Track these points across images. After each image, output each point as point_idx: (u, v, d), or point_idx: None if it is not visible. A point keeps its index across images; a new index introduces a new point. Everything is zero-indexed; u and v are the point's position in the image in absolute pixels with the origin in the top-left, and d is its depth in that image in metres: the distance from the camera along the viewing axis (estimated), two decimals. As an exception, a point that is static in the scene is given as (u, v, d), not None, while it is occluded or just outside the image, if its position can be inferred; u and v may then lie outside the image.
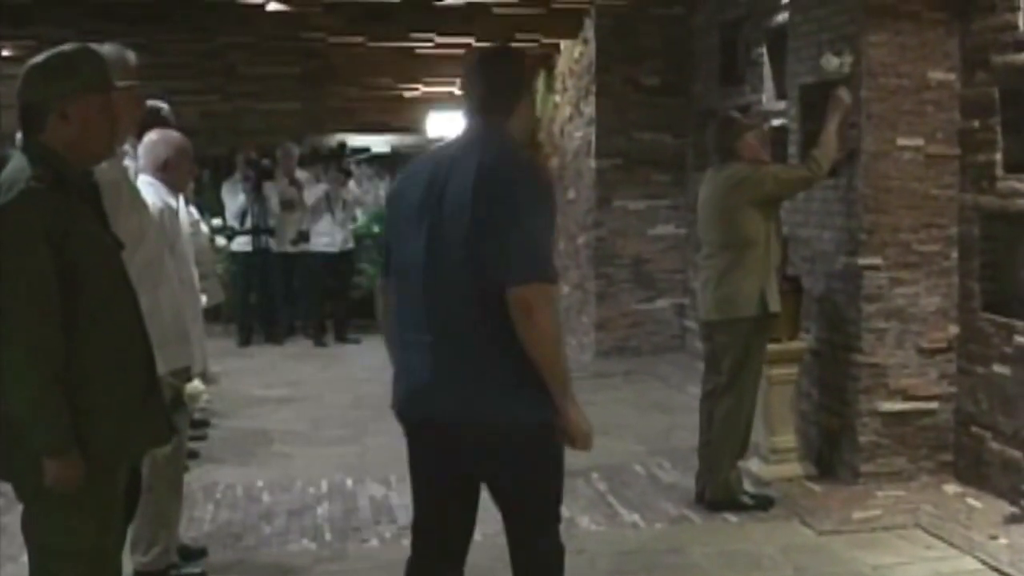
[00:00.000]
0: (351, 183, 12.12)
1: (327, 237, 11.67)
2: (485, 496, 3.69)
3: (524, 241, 3.26)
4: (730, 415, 5.89)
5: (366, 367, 10.50)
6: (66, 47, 3.22)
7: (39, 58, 3.18)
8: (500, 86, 3.61)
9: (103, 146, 3.30)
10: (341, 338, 11.90)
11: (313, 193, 11.59)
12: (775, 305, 5.85)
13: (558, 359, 3.31)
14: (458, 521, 3.71)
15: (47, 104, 3.12)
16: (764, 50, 8.31)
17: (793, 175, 6.06)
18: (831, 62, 6.19)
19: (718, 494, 5.91)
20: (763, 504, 5.91)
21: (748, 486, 6.04)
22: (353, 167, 12.79)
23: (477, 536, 5.62)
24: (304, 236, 11.66)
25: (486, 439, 3.41)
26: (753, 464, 6.41)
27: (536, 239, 3.30)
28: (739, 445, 5.96)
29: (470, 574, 3.85)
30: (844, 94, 6.05)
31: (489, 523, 5.85)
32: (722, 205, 5.88)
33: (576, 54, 10.98)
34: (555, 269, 3.39)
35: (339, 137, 13.47)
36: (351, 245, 12.11)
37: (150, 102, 5.77)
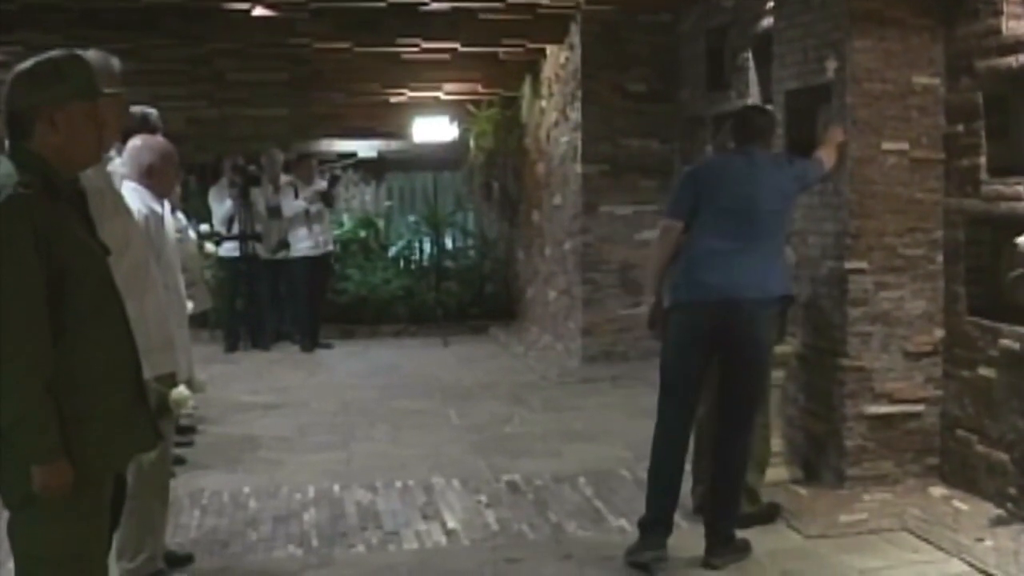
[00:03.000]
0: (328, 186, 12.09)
1: (308, 241, 11.66)
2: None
3: None
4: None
5: (352, 373, 10.50)
6: (54, 53, 3.21)
7: (26, 64, 3.17)
8: None
9: (90, 153, 3.30)
10: (315, 342, 11.87)
11: (292, 207, 11.58)
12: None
13: None
14: None
15: (34, 111, 3.11)
16: (750, 56, 8.33)
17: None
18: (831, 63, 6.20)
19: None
20: (771, 513, 5.81)
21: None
22: (339, 172, 12.77)
23: (465, 542, 5.66)
24: (284, 244, 11.65)
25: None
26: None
27: None
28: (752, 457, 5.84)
29: None
30: (838, 132, 6.09)
31: (477, 529, 5.88)
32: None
33: (562, 60, 10.99)
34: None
35: (316, 144, 13.47)
36: (330, 248, 12.11)
37: (139, 108, 5.77)
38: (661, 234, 5.52)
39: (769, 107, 6.45)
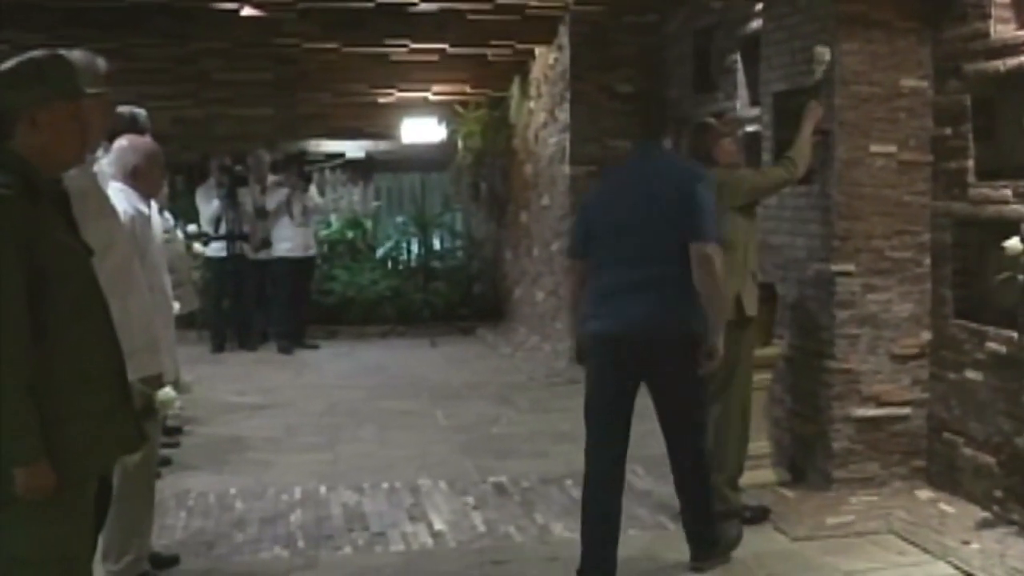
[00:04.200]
0: (312, 189, 12.08)
1: (289, 242, 11.64)
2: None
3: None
4: (722, 424, 5.78)
5: (339, 374, 10.48)
6: (36, 53, 3.20)
7: (9, 64, 3.15)
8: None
9: (73, 153, 3.28)
10: (299, 344, 11.85)
11: (275, 199, 11.57)
12: (751, 308, 5.82)
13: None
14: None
15: (16, 111, 3.10)
16: (737, 57, 8.33)
17: (769, 176, 6.07)
18: (823, 54, 6.19)
19: (717, 507, 5.61)
20: (759, 516, 5.82)
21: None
22: (315, 174, 12.76)
23: (452, 543, 5.65)
24: (266, 242, 11.62)
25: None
26: (727, 470, 6.40)
27: None
28: (736, 457, 5.83)
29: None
30: (816, 106, 6.08)
31: (464, 531, 5.87)
32: None
33: (550, 60, 10.99)
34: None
35: (301, 144, 13.45)
36: (313, 251, 12.09)
37: (127, 108, 5.74)
38: (564, 274, 5.43)
39: (713, 121, 6.35)
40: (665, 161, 5.23)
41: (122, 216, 4.66)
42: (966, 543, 5.37)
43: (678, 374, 4.98)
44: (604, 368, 5.04)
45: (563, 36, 10.47)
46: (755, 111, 7.59)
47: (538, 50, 11.39)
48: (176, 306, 5.90)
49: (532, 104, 11.84)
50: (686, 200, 4.93)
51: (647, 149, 5.26)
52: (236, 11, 9.63)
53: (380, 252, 14.17)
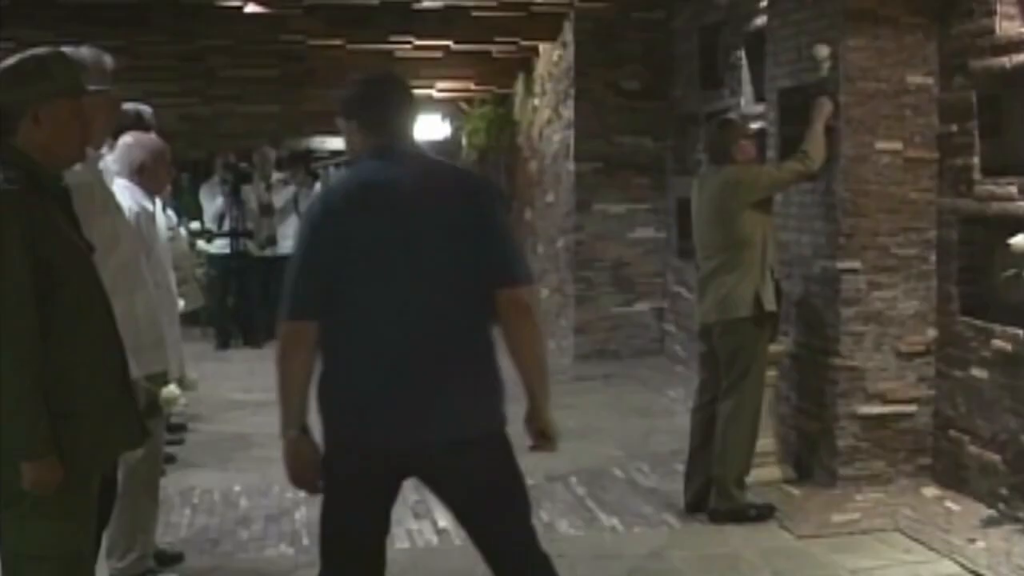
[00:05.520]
0: (318, 186, 12.08)
1: (293, 239, 11.62)
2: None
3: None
4: (733, 421, 5.79)
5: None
6: (39, 50, 3.21)
7: (11, 60, 3.16)
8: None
9: (74, 150, 3.28)
10: None
11: (282, 196, 11.57)
12: (770, 304, 5.81)
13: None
14: None
15: (19, 107, 3.10)
16: (743, 54, 8.33)
17: (786, 169, 6.05)
18: (822, 51, 6.18)
19: (722, 505, 5.79)
20: (765, 514, 5.82)
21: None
22: (321, 171, 12.77)
23: (457, 541, 5.64)
24: (272, 240, 11.62)
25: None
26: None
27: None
28: (744, 455, 5.84)
29: None
30: (826, 101, 6.07)
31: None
32: (720, 207, 5.86)
33: (555, 57, 10.97)
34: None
35: (307, 141, 13.46)
36: None
37: (133, 105, 5.75)
38: (284, 344, 3.49)
39: (736, 117, 6.25)
40: (435, 167, 3.61)
41: (127, 213, 4.66)
42: (972, 541, 5.36)
43: (487, 487, 3.48)
44: (355, 490, 3.44)
45: (568, 33, 10.45)
46: (760, 108, 7.58)
47: (543, 47, 11.37)
48: (181, 303, 5.90)
49: (537, 101, 11.83)
50: (484, 223, 3.37)
51: (395, 148, 3.48)
52: (241, 8, 9.63)
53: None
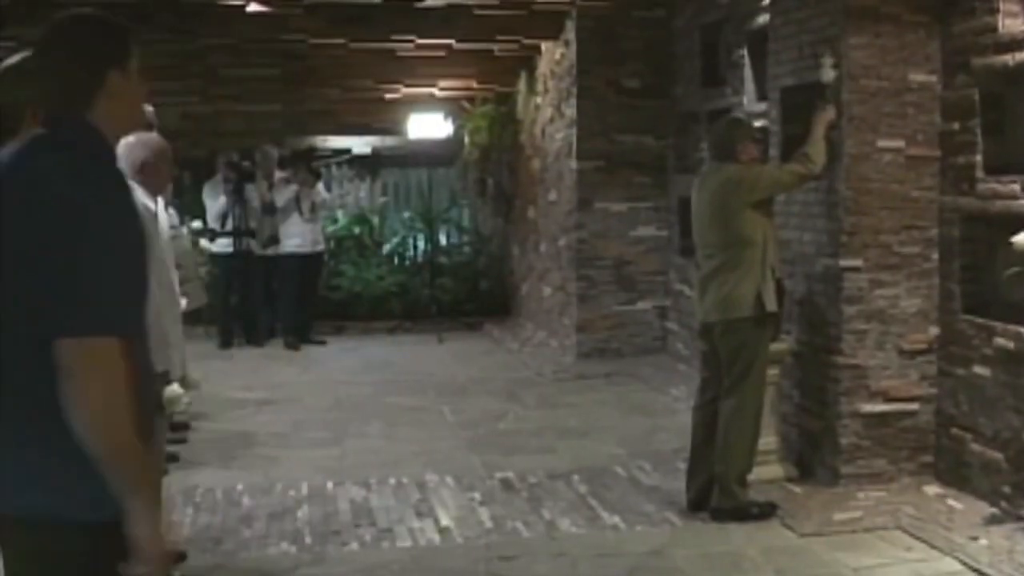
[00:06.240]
0: (319, 185, 12.08)
1: (298, 238, 11.64)
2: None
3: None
4: (734, 419, 5.81)
5: (346, 370, 10.48)
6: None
7: (13, 59, 3.16)
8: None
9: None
10: (306, 339, 11.84)
11: (284, 195, 11.57)
12: (771, 304, 5.82)
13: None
14: None
15: (21, 106, 3.09)
16: (745, 52, 8.32)
17: (787, 171, 6.05)
18: (827, 60, 6.18)
19: (724, 503, 5.80)
20: (767, 512, 5.82)
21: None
22: (323, 170, 12.76)
23: (459, 539, 5.65)
24: (274, 239, 11.62)
25: None
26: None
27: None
28: (746, 454, 5.86)
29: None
30: (829, 108, 6.08)
31: (471, 527, 5.86)
32: (721, 205, 5.86)
33: (557, 56, 10.98)
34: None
35: (309, 140, 13.46)
36: (321, 247, 12.09)
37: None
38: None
39: (745, 118, 6.23)
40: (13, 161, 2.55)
41: (129, 212, 4.65)
42: (974, 539, 5.35)
43: None
44: None
45: (570, 31, 10.45)
46: (762, 106, 7.58)
47: (545, 45, 11.38)
48: (183, 302, 5.90)
49: (539, 99, 11.83)
50: (53, 244, 2.37)
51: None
52: (243, 7, 9.63)
53: (387, 248, 14.16)
